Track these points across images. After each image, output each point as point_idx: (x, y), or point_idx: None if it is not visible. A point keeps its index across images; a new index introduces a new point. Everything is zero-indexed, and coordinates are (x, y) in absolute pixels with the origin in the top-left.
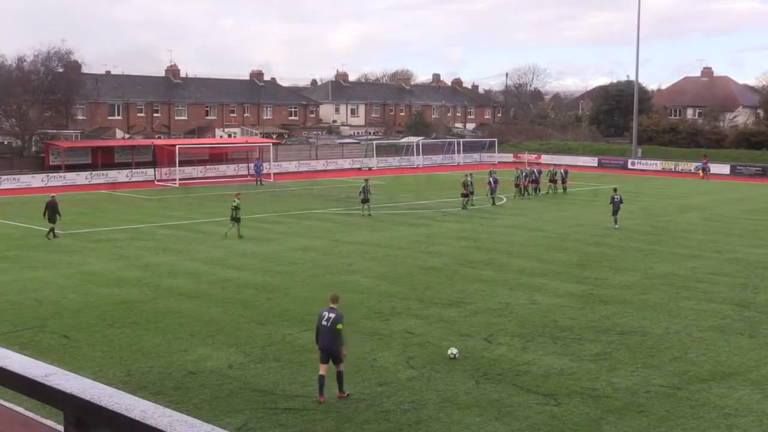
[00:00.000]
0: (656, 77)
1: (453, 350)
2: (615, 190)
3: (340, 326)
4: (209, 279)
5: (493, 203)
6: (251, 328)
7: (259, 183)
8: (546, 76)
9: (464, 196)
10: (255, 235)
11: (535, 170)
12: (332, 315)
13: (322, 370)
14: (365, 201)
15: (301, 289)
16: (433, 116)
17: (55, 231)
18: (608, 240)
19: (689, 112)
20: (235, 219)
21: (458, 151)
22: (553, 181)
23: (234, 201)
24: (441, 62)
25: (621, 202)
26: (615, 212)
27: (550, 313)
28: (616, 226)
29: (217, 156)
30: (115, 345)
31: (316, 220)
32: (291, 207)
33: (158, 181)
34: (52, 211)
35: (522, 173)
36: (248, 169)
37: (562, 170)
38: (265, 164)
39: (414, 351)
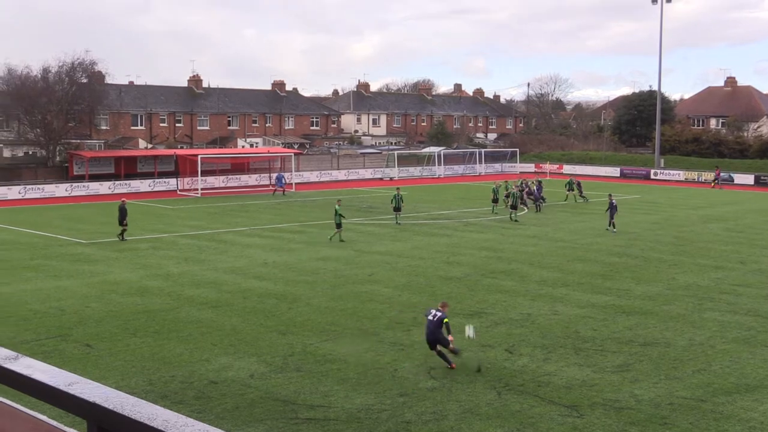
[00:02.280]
0: (679, 87)
1: (470, 329)
2: (610, 195)
3: (446, 320)
4: (230, 288)
5: (509, 215)
6: (272, 337)
7: (281, 193)
8: (568, 86)
9: (496, 203)
10: (276, 245)
11: (531, 181)
12: (438, 313)
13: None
14: (398, 209)
15: (323, 299)
16: (454, 126)
17: (124, 235)
18: (631, 250)
19: (712, 122)
20: (338, 224)
21: (480, 161)
22: (570, 190)
23: (336, 206)
24: (463, 72)
25: (616, 207)
26: (611, 216)
27: (572, 324)
28: (614, 230)
29: (239, 166)
30: (137, 354)
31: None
32: (313, 217)
33: (180, 190)
34: (122, 214)
35: (504, 186)
36: (270, 179)
37: (574, 181)
38: (286, 174)
39: (435, 361)
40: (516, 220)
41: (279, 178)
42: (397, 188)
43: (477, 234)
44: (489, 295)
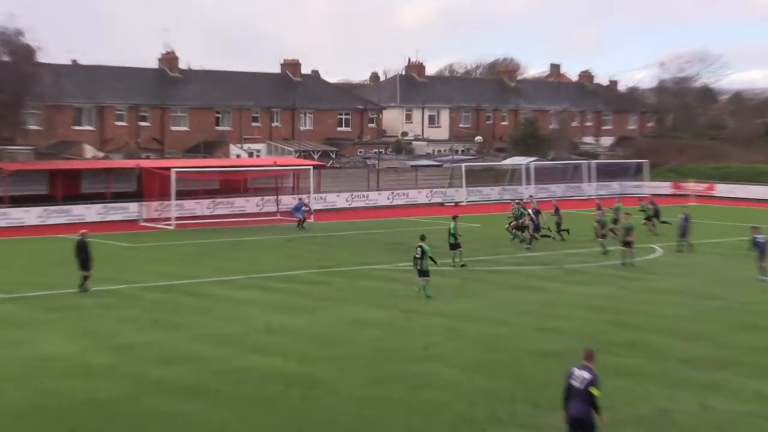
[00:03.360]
0: None
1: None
2: (756, 229)
3: (595, 391)
4: (218, 367)
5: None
6: None
7: (300, 226)
8: (722, 67)
9: (624, 244)
10: (285, 302)
11: (527, 209)
12: (586, 374)
13: None
14: (455, 246)
15: (355, 384)
16: (550, 126)
17: (88, 282)
18: None
19: None
20: (424, 272)
21: (589, 178)
22: (647, 219)
23: (422, 245)
24: (563, 47)
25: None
26: (760, 259)
27: (732, 425)
28: (763, 278)
29: (232, 185)
30: None
31: (377, 279)
32: (340, 260)
33: (145, 220)
34: (83, 253)
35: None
36: (277, 204)
37: (650, 204)
38: (304, 198)
39: None
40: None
41: (298, 208)
42: (454, 217)
43: (585, 286)
44: (606, 380)
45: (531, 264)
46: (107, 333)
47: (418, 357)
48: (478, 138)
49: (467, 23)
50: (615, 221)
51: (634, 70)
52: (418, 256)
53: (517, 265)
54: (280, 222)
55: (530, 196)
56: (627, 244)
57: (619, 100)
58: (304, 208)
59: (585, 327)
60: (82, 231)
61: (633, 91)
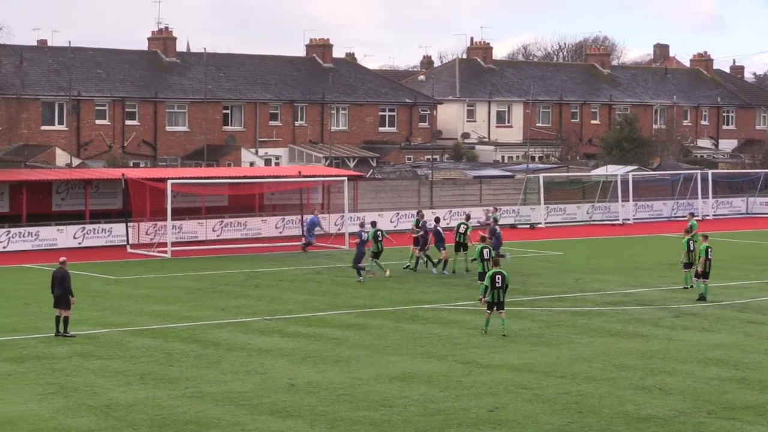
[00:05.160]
0: None
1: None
2: None
3: None
4: None
5: None
6: None
7: (303, 249)
8: None
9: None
10: (316, 351)
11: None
12: None
13: None
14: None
15: None
16: (654, 126)
17: (67, 325)
18: None
19: None
20: (496, 303)
21: (705, 194)
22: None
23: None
24: (671, 23)
25: None
26: None
27: None
28: None
29: (245, 201)
30: None
31: (429, 322)
32: (382, 297)
33: (134, 246)
34: (62, 286)
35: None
36: (302, 226)
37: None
38: (321, 218)
39: None
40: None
41: (311, 226)
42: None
43: (698, 333)
44: None
45: (628, 303)
46: (86, 390)
47: (482, 422)
48: (560, 140)
49: None
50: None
51: (765, 53)
52: (498, 284)
53: (611, 304)
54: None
55: (493, 208)
56: (703, 275)
57: (745, 92)
58: (317, 229)
59: (697, 385)
60: (62, 258)
61: (763, 81)
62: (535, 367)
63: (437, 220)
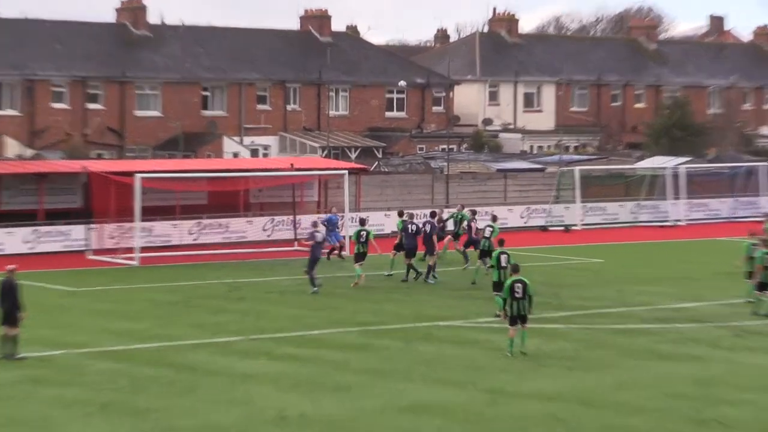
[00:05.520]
0: None
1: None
2: None
3: None
4: None
5: None
6: None
7: (336, 256)
8: None
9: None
10: (310, 377)
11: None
12: None
13: None
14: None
15: None
16: (709, 111)
17: (16, 346)
18: None
19: None
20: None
21: None
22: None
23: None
24: None
25: None
26: None
27: None
28: None
29: (227, 198)
30: None
31: (445, 342)
32: (389, 313)
33: (96, 252)
34: (10, 299)
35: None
36: (294, 228)
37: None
38: (338, 216)
39: None
40: None
41: (331, 226)
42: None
43: (764, 355)
44: None
45: (680, 320)
46: (37, 423)
47: None
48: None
49: None
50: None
51: None
52: (519, 294)
53: (660, 321)
54: (299, 255)
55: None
56: (761, 286)
57: None
58: (338, 230)
59: (763, 416)
60: (10, 266)
61: None
62: (571, 396)
63: (433, 214)
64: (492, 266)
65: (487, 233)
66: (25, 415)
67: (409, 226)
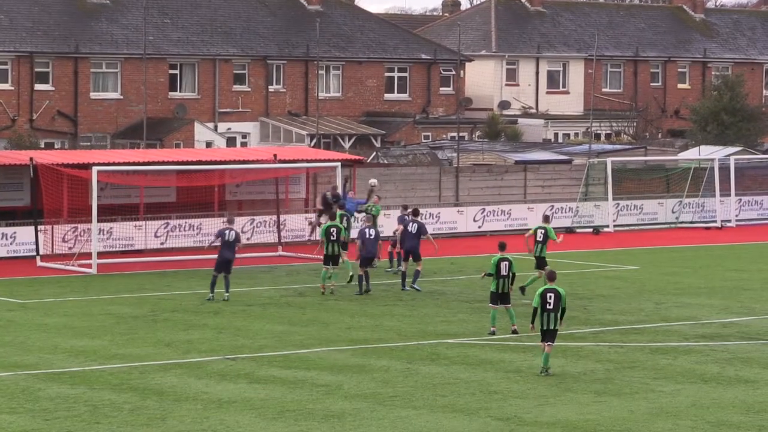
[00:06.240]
0: None
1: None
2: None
3: None
4: None
5: None
6: None
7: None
8: None
9: None
10: (297, 403)
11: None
12: None
13: None
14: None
15: None
16: (765, 93)
17: None
18: None
19: None
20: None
21: None
22: None
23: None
24: None
25: None
26: None
27: None
28: None
29: (199, 195)
30: None
31: (452, 362)
32: (389, 329)
33: (46, 258)
34: None
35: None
36: (278, 229)
37: None
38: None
39: None
40: None
41: (348, 205)
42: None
43: None
44: None
45: (728, 337)
46: None
47: None
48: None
49: None
50: None
51: None
52: (550, 306)
53: (704, 338)
54: (284, 261)
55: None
56: None
57: None
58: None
59: None
60: None
61: None
62: (601, 425)
63: (416, 212)
64: (491, 274)
65: (539, 237)
66: None
67: (410, 225)
